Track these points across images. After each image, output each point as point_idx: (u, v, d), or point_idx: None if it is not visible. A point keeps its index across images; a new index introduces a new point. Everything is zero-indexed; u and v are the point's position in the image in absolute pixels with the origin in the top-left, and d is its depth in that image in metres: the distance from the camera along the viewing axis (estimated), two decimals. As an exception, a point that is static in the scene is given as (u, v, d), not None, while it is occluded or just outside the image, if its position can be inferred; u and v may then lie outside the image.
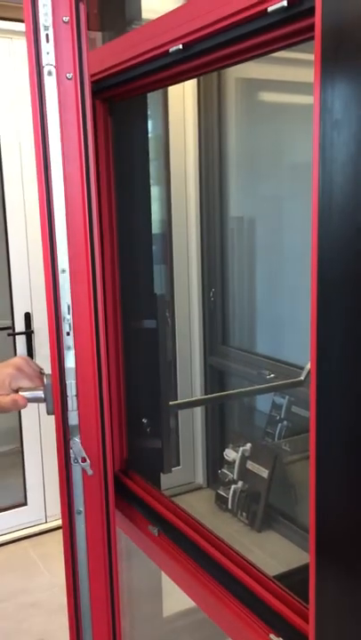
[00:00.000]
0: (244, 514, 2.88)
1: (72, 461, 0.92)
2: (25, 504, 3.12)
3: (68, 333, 0.88)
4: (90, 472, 0.94)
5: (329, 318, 0.81)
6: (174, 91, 3.03)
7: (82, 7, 0.84)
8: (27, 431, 3.08)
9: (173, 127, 3.10)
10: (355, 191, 0.74)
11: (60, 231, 0.87)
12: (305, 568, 0.91)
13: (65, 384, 0.89)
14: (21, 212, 2.92)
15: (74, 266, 0.88)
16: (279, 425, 3.03)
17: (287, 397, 3.04)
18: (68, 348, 0.89)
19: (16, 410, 0.98)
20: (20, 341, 3.01)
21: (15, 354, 3.00)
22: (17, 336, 3.01)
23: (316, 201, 0.79)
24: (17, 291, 2.98)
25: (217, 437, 3.27)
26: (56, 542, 2.99)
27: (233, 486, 2.92)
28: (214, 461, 3.26)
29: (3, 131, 2.85)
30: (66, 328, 0.88)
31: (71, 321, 0.88)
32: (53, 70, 0.82)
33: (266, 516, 2.82)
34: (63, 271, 0.89)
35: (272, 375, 2.86)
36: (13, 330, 3.00)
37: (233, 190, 3.14)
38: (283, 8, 0.80)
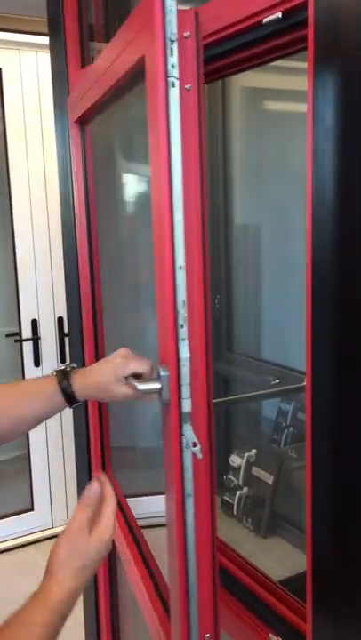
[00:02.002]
0: (249, 520, 2.89)
1: (184, 447, 0.96)
2: (32, 509, 3.14)
3: (181, 326, 0.93)
4: (200, 456, 0.97)
5: (322, 323, 0.83)
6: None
7: (200, 24, 0.90)
8: (33, 437, 3.10)
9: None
10: (345, 197, 0.76)
11: (179, 233, 0.91)
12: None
13: (181, 374, 0.93)
14: (28, 222, 2.96)
15: (189, 263, 0.93)
16: (285, 431, 3.04)
17: (293, 404, 3.05)
18: (182, 339, 0.93)
19: (127, 400, 1.04)
20: (27, 348, 3.04)
21: (22, 360, 3.03)
22: (24, 342, 3.04)
23: (310, 207, 0.81)
24: (24, 298, 3.02)
25: (222, 443, 3.28)
26: (62, 548, 3.00)
27: (238, 492, 2.92)
28: (220, 467, 3.26)
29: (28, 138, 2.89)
30: (180, 321, 0.93)
31: (185, 315, 0.93)
32: (177, 82, 0.87)
33: (271, 522, 2.82)
34: (180, 268, 0.92)
35: (277, 381, 2.87)
36: (20, 336, 3.03)
37: (238, 198, 3.16)
38: (277, 19, 0.83)
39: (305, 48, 0.81)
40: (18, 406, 1.09)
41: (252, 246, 3.20)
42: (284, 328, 3.10)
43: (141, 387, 0.98)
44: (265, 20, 0.85)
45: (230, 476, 3.01)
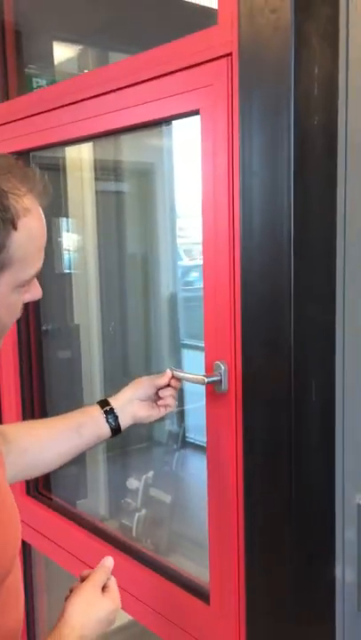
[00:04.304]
0: (148, 540, 2.93)
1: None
2: None
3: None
4: None
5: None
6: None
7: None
8: None
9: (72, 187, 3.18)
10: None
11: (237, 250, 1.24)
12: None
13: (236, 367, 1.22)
14: None
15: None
16: (176, 454, 3.15)
17: (183, 426, 3.18)
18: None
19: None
20: None
21: None
22: None
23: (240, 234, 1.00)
24: None
25: (119, 468, 3.31)
26: None
27: (137, 514, 2.96)
28: (117, 492, 3.28)
29: None
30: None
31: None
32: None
33: (171, 541, 2.89)
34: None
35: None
36: None
37: (130, 229, 3.27)
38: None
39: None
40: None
41: (141, 274, 3.30)
42: (174, 351, 3.22)
43: (208, 379, 1.24)
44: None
45: (128, 500, 3.04)
